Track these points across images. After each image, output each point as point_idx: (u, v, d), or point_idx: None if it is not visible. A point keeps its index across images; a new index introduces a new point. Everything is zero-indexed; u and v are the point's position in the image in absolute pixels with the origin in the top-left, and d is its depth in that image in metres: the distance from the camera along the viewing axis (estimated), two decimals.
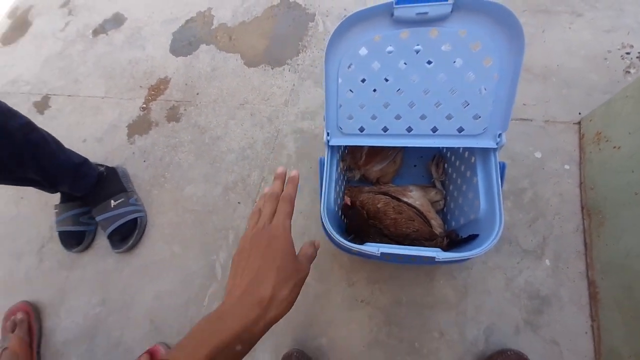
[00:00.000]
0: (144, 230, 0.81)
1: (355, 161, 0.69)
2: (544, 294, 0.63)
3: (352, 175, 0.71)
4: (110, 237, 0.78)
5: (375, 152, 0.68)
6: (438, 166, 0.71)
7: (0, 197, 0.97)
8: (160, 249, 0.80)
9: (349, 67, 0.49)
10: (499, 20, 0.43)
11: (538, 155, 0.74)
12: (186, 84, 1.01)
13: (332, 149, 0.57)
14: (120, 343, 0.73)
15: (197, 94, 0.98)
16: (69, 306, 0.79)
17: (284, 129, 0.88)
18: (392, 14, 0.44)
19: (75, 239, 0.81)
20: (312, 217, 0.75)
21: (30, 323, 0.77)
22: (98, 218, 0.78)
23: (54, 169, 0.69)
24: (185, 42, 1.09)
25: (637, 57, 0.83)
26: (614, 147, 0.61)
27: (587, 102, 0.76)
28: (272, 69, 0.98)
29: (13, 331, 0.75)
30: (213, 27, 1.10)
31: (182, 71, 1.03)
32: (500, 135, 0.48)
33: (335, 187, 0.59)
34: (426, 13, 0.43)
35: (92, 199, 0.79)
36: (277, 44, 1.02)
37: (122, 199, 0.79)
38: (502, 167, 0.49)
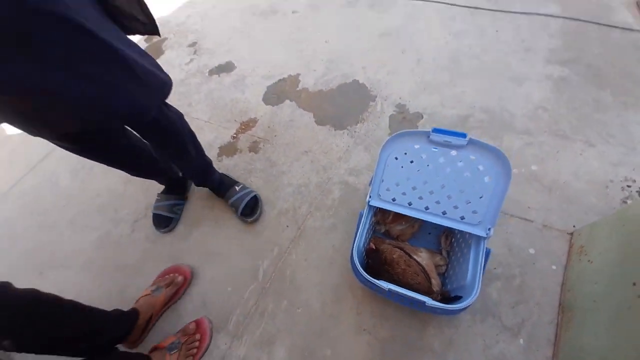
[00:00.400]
0: (262, 204, 1.09)
1: (384, 219, 0.91)
2: None
3: (379, 228, 0.93)
4: (242, 212, 1.04)
5: (400, 216, 0.90)
6: (447, 239, 0.90)
7: (113, 177, 1.30)
8: (222, 244, 1.04)
9: (395, 158, 0.74)
10: (497, 157, 0.65)
11: (532, 251, 0.91)
12: (269, 127, 1.33)
13: (370, 207, 0.80)
14: (174, 310, 0.96)
15: (275, 136, 1.29)
16: (143, 271, 1.04)
17: (334, 179, 1.13)
18: (428, 136, 0.69)
19: (164, 222, 1.09)
20: (341, 251, 0.97)
21: (179, 290, 0.92)
22: (231, 200, 1.06)
23: (201, 161, 1.00)
24: (274, 95, 1.44)
25: (636, 191, 0.99)
26: (589, 261, 0.77)
27: (582, 219, 0.93)
28: (335, 130, 1.27)
29: (167, 287, 0.90)
30: (298, 88, 1.45)
31: (268, 116, 1.36)
32: (489, 229, 0.68)
33: (366, 234, 0.81)
34: (450, 142, 0.67)
35: (220, 189, 1.08)
36: (342, 112, 1.32)
37: (242, 185, 1.09)
38: (487, 253, 0.68)
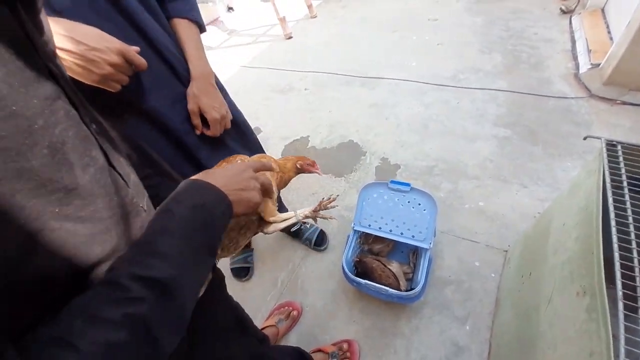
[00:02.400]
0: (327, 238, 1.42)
1: (367, 240, 1.28)
2: (461, 345, 1.06)
3: (364, 247, 1.30)
4: (316, 243, 1.37)
5: (378, 238, 1.27)
6: (413, 255, 1.26)
7: None
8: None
9: (368, 199, 1.14)
10: (429, 198, 1.05)
11: (477, 264, 1.24)
12: None
13: (355, 231, 1.18)
14: None
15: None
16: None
17: (333, 213, 1.52)
18: (388, 185, 1.10)
19: (243, 273, 1.40)
20: (338, 265, 1.32)
21: (294, 323, 1.15)
22: (305, 235, 1.39)
23: None
24: (290, 152, 1.93)
25: None
26: (509, 267, 1.10)
27: (515, 241, 1.27)
28: (335, 177, 1.70)
29: (286, 319, 1.13)
30: (308, 146, 1.93)
31: None
32: (430, 242, 1.05)
33: (353, 251, 1.18)
34: (400, 188, 1.08)
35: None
36: (341, 164, 1.77)
37: (308, 224, 1.41)
38: (430, 259, 1.04)
